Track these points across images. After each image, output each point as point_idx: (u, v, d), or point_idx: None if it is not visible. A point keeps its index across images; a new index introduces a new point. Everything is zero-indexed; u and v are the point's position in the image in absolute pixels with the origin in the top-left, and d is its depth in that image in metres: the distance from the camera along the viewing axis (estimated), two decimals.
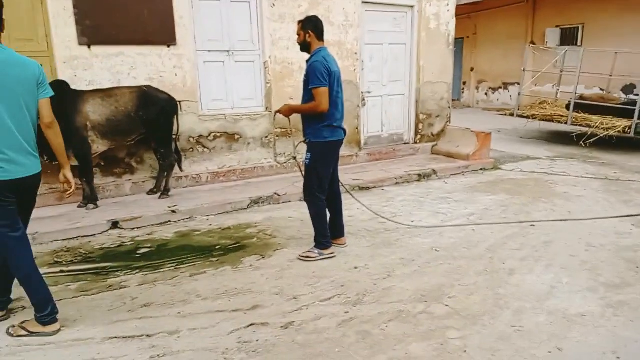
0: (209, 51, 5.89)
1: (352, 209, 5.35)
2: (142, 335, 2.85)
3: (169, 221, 4.98)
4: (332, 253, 4.03)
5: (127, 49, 5.30)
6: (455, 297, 3.29)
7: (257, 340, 2.78)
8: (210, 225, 4.91)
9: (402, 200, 5.68)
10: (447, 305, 3.18)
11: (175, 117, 5.44)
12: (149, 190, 5.67)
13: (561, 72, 10.71)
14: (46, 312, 2.86)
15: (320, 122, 3.79)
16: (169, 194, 5.53)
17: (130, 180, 5.66)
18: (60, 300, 3.31)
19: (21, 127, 2.69)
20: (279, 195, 5.64)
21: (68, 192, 3.05)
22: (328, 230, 4.04)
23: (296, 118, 4.05)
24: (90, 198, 5.17)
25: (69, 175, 3.00)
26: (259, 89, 6.38)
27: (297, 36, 3.91)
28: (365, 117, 7.32)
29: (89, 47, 5.12)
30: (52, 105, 5.05)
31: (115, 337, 2.84)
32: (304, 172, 4.01)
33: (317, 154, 3.85)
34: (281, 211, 5.32)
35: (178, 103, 5.56)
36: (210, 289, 3.45)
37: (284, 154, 5.76)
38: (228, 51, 6.04)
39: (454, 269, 3.74)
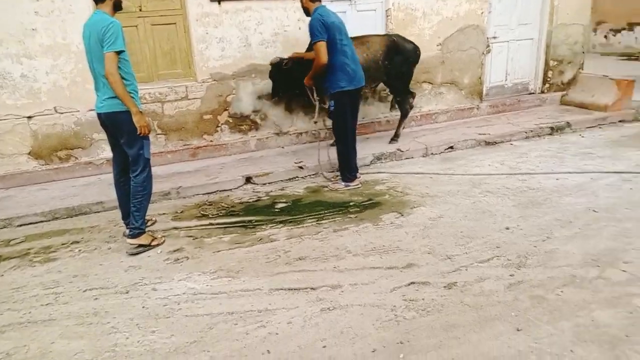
0: (331, 1, 5.68)
1: (483, 165, 5.06)
2: (306, 288, 2.92)
3: (297, 177, 5.05)
4: (359, 184, 4.64)
5: (254, 3, 5.25)
6: (632, 262, 2.98)
7: (423, 299, 2.73)
8: None
9: (538, 155, 5.24)
10: (624, 271, 2.89)
11: (415, 66, 5.54)
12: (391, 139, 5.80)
13: None
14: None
15: (332, 73, 4.20)
16: (398, 139, 5.77)
17: (254, 136, 5.79)
18: (219, 251, 3.51)
19: (99, 75, 3.29)
20: (401, 151, 5.47)
21: (141, 133, 3.39)
22: (355, 165, 4.64)
23: None
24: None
25: (135, 118, 3.33)
26: None
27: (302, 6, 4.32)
28: (489, 66, 6.77)
29: (219, 3, 5.13)
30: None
31: (281, 289, 2.94)
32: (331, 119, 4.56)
33: (339, 102, 4.34)
34: (406, 167, 5.17)
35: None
36: (357, 245, 3.44)
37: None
38: (350, 0, 5.80)
39: (621, 232, 3.39)
